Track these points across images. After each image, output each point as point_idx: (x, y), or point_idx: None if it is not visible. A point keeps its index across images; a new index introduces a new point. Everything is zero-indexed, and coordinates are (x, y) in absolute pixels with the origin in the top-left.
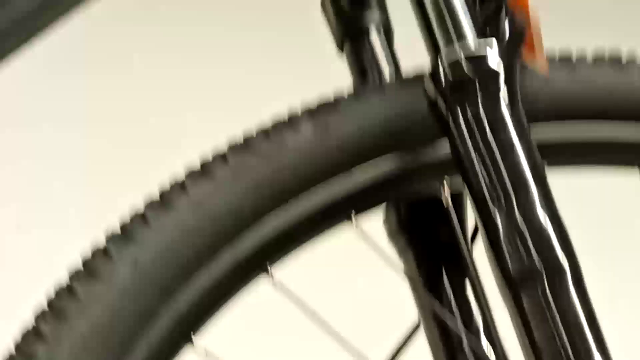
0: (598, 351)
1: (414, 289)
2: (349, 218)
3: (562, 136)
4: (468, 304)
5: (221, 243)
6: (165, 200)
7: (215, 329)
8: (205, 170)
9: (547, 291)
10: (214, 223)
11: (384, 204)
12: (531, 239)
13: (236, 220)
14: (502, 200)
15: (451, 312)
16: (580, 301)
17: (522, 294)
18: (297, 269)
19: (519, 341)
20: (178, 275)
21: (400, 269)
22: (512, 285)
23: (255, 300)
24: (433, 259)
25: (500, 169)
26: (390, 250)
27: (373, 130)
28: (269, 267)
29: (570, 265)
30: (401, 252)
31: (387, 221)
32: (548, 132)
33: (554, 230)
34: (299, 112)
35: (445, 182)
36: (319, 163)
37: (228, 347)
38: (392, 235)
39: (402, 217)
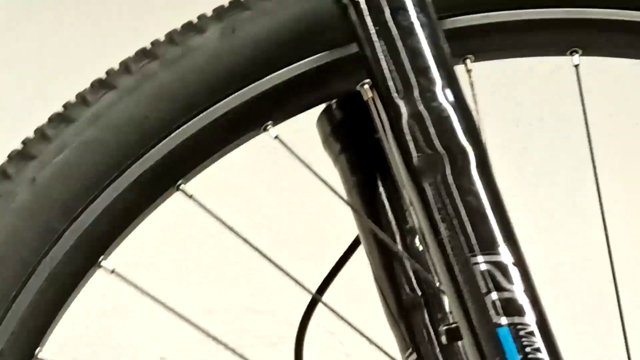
0: (503, 237)
1: (349, 195)
2: (265, 128)
3: (483, 22)
4: (403, 210)
5: (127, 156)
6: (66, 114)
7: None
8: (107, 81)
9: (450, 177)
10: (117, 135)
11: (300, 112)
12: (433, 126)
13: (141, 131)
14: (404, 89)
15: (386, 218)
16: (484, 186)
17: (425, 183)
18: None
19: (426, 235)
20: (80, 193)
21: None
22: (415, 176)
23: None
24: (367, 166)
25: (400, 55)
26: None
27: (284, 31)
28: (181, 182)
29: (474, 150)
30: (336, 159)
31: (320, 127)
32: (469, 20)
33: (458, 116)
34: (209, 15)
35: (367, 84)
36: (228, 66)
37: (140, 269)
38: (326, 141)
39: (335, 122)
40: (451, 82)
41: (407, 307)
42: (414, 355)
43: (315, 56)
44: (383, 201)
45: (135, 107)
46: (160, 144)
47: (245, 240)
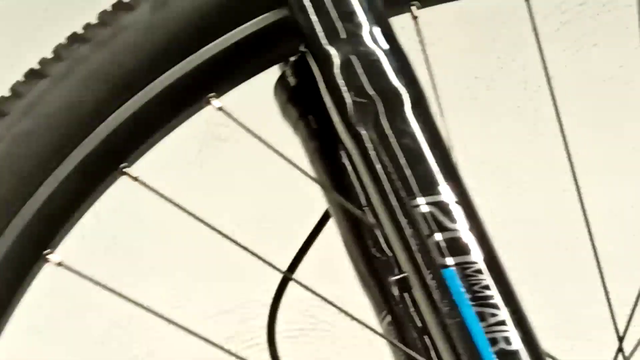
0: (445, 176)
1: (311, 163)
2: (208, 100)
3: None
4: None
5: (64, 144)
6: None
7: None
8: (40, 70)
9: (384, 121)
10: (53, 123)
11: (244, 79)
12: (363, 71)
13: (77, 117)
14: (332, 36)
15: (349, 181)
16: (421, 127)
17: (361, 130)
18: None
19: (367, 186)
20: (19, 186)
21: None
22: (350, 125)
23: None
24: (326, 131)
25: (325, 2)
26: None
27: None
28: (125, 165)
29: (408, 91)
30: (295, 127)
31: (277, 96)
32: None
33: (389, 58)
34: None
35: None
36: (161, 41)
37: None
38: (284, 108)
39: (290, 89)
40: (381, 24)
41: (377, 269)
42: (389, 317)
43: (254, 20)
44: (345, 165)
45: (69, 93)
46: (99, 127)
47: (202, 221)
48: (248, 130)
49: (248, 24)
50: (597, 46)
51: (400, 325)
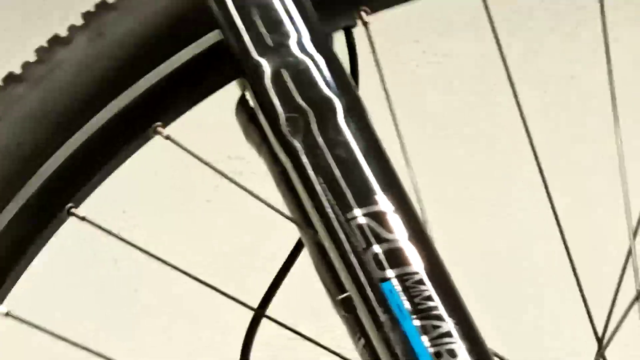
0: (382, 185)
1: (278, 188)
2: (154, 130)
3: None
4: None
5: (6, 189)
6: None
7: None
8: None
9: (316, 133)
10: None
11: (191, 106)
12: (293, 82)
13: (17, 160)
14: (261, 46)
15: None
16: (355, 135)
17: (295, 145)
18: None
19: (305, 203)
20: None
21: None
22: (284, 139)
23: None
24: None
25: (251, 13)
26: None
27: (154, 23)
28: (71, 206)
29: (341, 99)
30: (259, 150)
31: (238, 115)
32: None
33: (319, 66)
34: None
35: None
36: (99, 73)
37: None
38: (246, 130)
39: (251, 110)
40: (311, 31)
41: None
42: (362, 340)
43: (191, 45)
44: None
45: (6, 136)
46: (41, 169)
47: (164, 262)
48: (199, 158)
49: (185, 49)
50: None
51: (372, 347)
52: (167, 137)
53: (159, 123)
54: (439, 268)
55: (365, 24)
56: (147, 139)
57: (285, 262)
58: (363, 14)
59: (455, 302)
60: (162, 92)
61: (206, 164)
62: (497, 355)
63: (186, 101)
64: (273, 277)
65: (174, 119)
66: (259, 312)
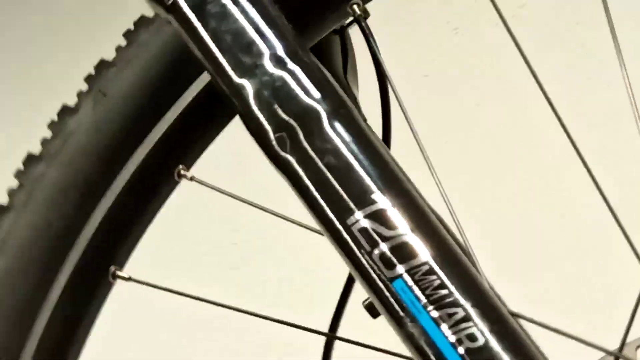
0: (377, 183)
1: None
2: (178, 174)
3: None
4: None
5: (48, 268)
6: None
7: None
8: (6, 205)
9: (305, 145)
10: (28, 257)
11: (208, 144)
12: (274, 98)
13: (52, 238)
14: (239, 68)
15: None
16: (344, 138)
17: (289, 160)
18: None
19: (309, 213)
20: (9, 328)
21: None
22: (277, 158)
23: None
24: None
25: (224, 41)
26: None
27: (153, 71)
28: (114, 269)
29: (324, 105)
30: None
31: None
32: None
33: (296, 77)
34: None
35: None
36: (110, 133)
37: None
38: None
39: None
40: (284, 42)
41: None
42: None
43: (194, 83)
44: None
45: (36, 219)
46: (78, 239)
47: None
48: (228, 193)
49: (187, 92)
50: None
51: None
52: (192, 179)
53: (181, 166)
54: (448, 253)
55: (356, 17)
56: (175, 183)
57: (347, 282)
58: (355, 7)
59: (469, 283)
60: (177, 136)
61: (236, 197)
62: (520, 316)
63: (202, 138)
64: (337, 299)
65: (195, 158)
66: (331, 336)
